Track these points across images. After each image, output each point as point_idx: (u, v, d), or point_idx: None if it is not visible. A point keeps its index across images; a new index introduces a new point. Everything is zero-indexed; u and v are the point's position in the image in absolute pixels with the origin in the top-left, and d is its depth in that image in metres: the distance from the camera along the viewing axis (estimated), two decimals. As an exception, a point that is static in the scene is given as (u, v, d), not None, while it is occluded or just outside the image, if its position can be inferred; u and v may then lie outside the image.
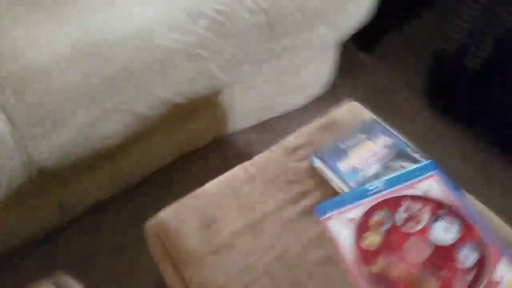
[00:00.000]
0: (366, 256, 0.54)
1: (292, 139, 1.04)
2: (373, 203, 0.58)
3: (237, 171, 0.98)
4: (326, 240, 0.86)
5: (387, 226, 0.56)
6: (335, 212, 0.61)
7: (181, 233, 0.88)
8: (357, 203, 0.60)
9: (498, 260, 0.48)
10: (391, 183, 0.60)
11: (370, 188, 0.60)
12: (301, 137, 1.04)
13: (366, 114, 1.09)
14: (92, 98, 1.07)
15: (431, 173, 0.60)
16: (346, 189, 0.89)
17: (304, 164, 0.98)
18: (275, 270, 0.83)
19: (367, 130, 0.99)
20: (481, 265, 0.49)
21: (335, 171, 0.92)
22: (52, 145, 1.07)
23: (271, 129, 1.62)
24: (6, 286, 1.21)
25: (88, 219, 1.34)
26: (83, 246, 1.31)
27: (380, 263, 0.52)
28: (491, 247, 0.50)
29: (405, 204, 0.57)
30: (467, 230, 0.52)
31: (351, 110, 1.10)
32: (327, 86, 1.71)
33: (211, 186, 0.95)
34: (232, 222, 0.89)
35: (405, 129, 1.04)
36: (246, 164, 0.99)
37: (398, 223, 0.55)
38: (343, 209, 0.61)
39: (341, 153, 0.95)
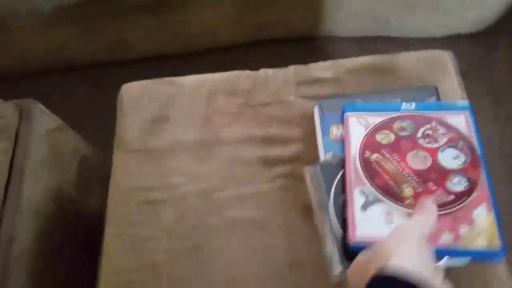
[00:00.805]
0: (374, 145, 0.58)
1: (317, 67, 0.76)
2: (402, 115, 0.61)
3: (239, 75, 0.77)
4: (263, 201, 0.66)
5: (406, 133, 0.59)
6: (361, 114, 0.62)
7: (131, 114, 0.76)
8: (388, 113, 0.61)
9: (482, 202, 0.52)
10: (423, 107, 0.62)
11: (403, 105, 0.62)
12: (331, 70, 0.75)
13: (448, 77, 0.72)
14: None
15: (464, 112, 0.60)
16: (326, 158, 0.63)
17: (307, 105, 0.72)
18: (191, 200, 0.67)
19: (414, 96, 0.65)
20: (464, 195, 0.53)
21: (325, 133, 0.64)
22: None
23: (379, 51, 1.26)
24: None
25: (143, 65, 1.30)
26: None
27: (381, 154, 0.57)
28: (483, 188, 0.53)
29: (431, 124, 0.59)
30: (472, 166, 0.55)
31: (431, 62, 0.74)
32: (482, 25, 1.22)
33: (194, 79, 0.78)
34: (181, 131, 0.73)
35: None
36: (254, 72, 0.77)
37: (417, 135, 0.58)
38: (370, 113, 0.62)
39: (350, 113, 0.66)
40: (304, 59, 1.27)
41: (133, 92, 0.79)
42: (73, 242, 0.84)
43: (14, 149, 0.80)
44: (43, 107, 0.88)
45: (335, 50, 1.27)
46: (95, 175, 1.00)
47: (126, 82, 0.81)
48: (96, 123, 1.20)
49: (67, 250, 0.81)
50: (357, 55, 1.26)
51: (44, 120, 0.86)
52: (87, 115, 1.21)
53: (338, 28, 1.26)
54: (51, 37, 1.22)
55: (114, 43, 1.25)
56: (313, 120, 0.69)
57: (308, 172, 0.62)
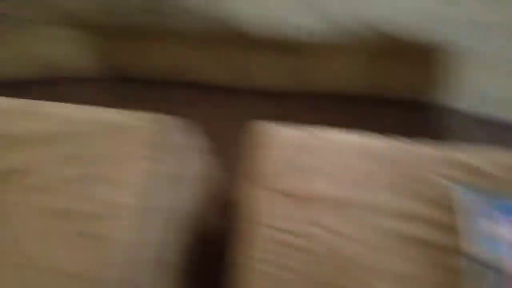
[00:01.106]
0: None
1: (461, 150, 0.77)
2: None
3: (384, 143, 0.81)
4: (400, 279, 0.67)
5: None
6: None
7: (271, 153, 0.81)
8: None
9: None
10: None
11: None
12: (478, 156, 0.76)
13: None
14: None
15: None
16: (476, 253, 0.64)
17: (448, 186, 0.73)
18: (329, 255, 0.70)
19: None
20: None
21: (472, 223, 0.65)
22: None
23: (502, 136, 1.23)
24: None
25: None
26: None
27: None
28: None
29: None
30: None
31: None
32: None
33: (337, 137, 0.82)
34: (323, 183, 0.77)
35: None
36: (398, 143, 0.81)
37: None
38: None
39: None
40: (419, 126, 1.29)
41: (275, 133, 0.84)
42: (195, 260, 0.90)
43: (151, 161, 0.87)
44: (180, 123, 0.95)
45: (452, 124, 1.27)
46: (217, 198, 1.06)
47: (253, 111, 0.85)
48: (217, 147, 1.27)
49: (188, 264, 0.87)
50: (479, 136, 1.25)
51: (181, 136, 0.94)
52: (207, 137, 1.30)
53: (458, 99, 1.27)
54: (187, 56, 1.35)
55: (238, 73, 1.35)
56: (455, 204, 0.70)
57: (457, 263, 0.63)
